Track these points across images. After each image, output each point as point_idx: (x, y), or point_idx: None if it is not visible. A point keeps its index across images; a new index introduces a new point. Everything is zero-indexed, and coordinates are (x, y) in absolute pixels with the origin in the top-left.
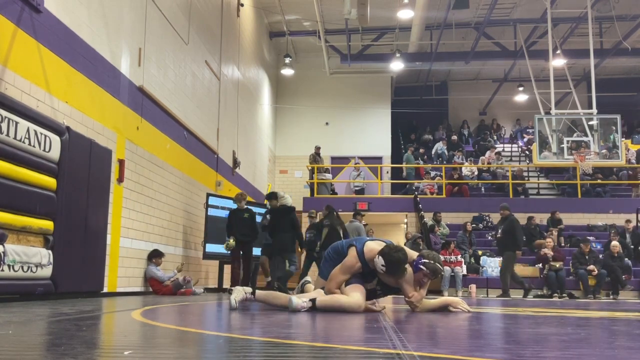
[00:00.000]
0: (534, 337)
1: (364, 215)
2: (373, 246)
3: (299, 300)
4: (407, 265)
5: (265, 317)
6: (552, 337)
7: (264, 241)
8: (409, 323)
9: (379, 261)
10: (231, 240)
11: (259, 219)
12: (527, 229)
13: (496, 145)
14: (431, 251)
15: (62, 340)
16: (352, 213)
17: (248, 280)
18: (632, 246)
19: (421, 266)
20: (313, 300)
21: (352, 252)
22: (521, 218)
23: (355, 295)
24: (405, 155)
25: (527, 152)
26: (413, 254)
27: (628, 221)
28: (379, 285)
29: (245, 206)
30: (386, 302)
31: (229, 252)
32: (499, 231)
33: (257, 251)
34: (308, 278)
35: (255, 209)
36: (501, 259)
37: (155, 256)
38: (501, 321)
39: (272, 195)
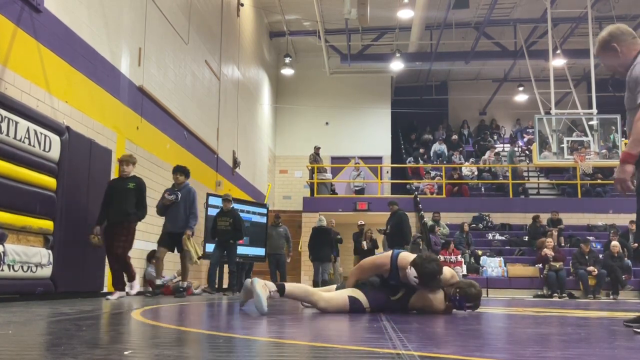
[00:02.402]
0: (534, 337)
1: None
2: (407, 255)
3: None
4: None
5: (266, 317)
6: (552, 337)
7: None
8: (409, 323)
9: (412, 272)
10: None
11: (261, 219)
12: (532, 229)
13: (496, 145)
14: (452, 271)
15: (62, 340)
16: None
17: (234, 281)
18: (635, 244)
19: (465, 310)
20: (281, 288)
21: (387, 254)
22: (522, 218)
23: (333, 296)
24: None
25: (527, 152)
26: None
27: (632, 222)
28: (403, 299)
29: (231, 207)
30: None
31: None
32: (388, 227)
33: (258, 251)
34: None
35: (255, 209)
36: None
37: (153, 257)
38: (501, 321)
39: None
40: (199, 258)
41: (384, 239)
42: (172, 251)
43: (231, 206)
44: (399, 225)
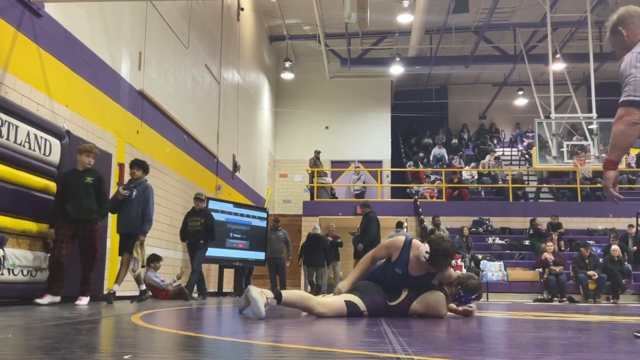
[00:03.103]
0: (534, 341)
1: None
2: (419, 242)
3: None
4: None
5: (266, 321)
6: (553, 342)
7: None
8: (409, 327)
9: (424, 248)
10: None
11: (261, 223)
12: (535, 232)
13: (496, 150)
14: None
15: (62, 344)
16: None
17: (193, 282)
18: (634, 247)
19: (471, 303)
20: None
21: (400, 238)
22: (522, 222)
23: (330, 301)
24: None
25: (526, 156)
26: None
27: (630, 226)
28: (403, 305)
29: (203, 206)
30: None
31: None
32: (358, 229)
33: (258, 255)
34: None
35: (255, 213)
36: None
37: (153, 260)
38: (501, 325)
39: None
40: (143, 266)
41: (353, 239)
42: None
43: (203, 205)
44: (366, 228)
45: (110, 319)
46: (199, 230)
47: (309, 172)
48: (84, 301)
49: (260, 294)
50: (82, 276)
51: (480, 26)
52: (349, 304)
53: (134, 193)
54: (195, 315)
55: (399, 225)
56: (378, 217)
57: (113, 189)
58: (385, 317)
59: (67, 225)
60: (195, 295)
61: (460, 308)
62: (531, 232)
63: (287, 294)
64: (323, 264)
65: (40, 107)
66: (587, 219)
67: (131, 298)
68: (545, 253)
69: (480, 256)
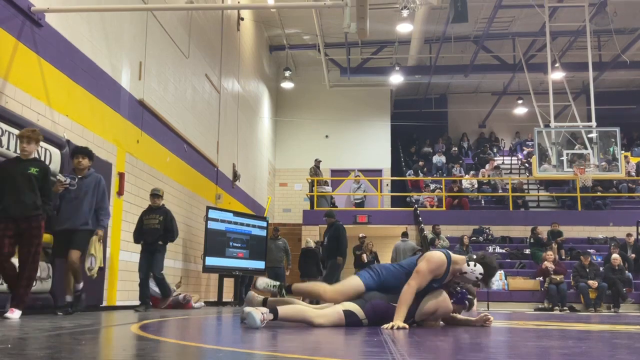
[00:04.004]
0: (535, 350)
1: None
2: (456, 255)
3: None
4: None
5: (266, 331)
6: (554, 351)
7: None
8: (409, 337)
9: (477, 269)
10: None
11: (261, 232)
12: (535, 240)
13: (495, 158)
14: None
15: (62, 355)
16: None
17: (163, 289)
18: (632, 254)
19: (466, 301)
20: (275, 312)
21: (442, 256)
22: (522, 231)
23: (328, 312)
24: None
25: (526, 164)
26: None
27: (629, 235)
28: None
29: (162, 204)
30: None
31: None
32: (325, 239)
33: (258, 264)
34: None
35: (255, 222)
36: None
37: None
38: (502, 334)
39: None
40: (101, 269)
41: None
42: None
43: (162, 203)
44: (336, 237)
45: (110, 329)
46: (157, 229)
47: (309, 181)
48: (15, 314)
49: (255, 310)
50: (17, 284)
51: (479, 35)
52: (347, 313)
53: (75, 182)
54: (195, 325)
55: (405, 235)
56: (378, 226)
57: (114, 197)
58: (384, 323)
59: (6, 223)
60: (196, 304)
61: (477, 318)
62: (532, 240)
63: (283, 309)
64: (316, 275)
65: (41, 117)
66: (587, 227)
67: (135, 307)
68: (545, 262)
69: None
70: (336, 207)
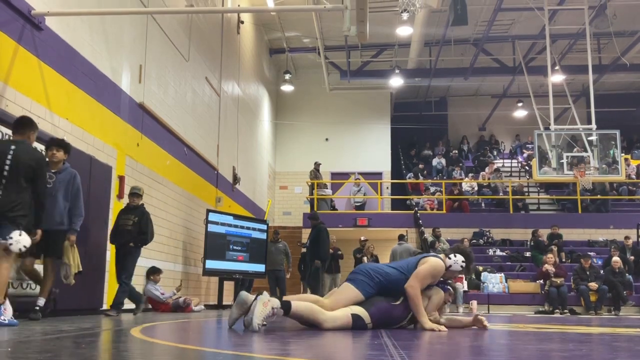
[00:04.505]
0: (536, 353)
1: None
2: (443, 256)
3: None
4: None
5: (266, 334)
6: (554, 354)
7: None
8: (409, 340)
9: (459, 259)
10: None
11: (261, 235)
12: (536, 243)
13: (495, 161)
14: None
15: (62, 358)
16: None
17: (122, 297)
18: (631, 257)
19: (448, 287)
20: (286, 306)
21: (438, 261)
22: (522, 234)
23: (338, 315)
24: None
25: (526, 167)
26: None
27: (627, 237)
28: (406, 303)
29: (140, 203)
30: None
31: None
32: (308, 241)
33: (258, 267)
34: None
35: (255, 225)
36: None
37: (153, 273)
38: (503, 337)
39: None
40: (78, 273)
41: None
42: (39, 257)
43: (140, 202)
44: (317, 240)
45: (110, 332)
46: (130, 230)
47: (309, 184)
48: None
49: (265, 304)
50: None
51: (479, 38)
52: (355, 317)
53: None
54: (196, 328)
55: (401, 237)
56: (378, 229)
57: (114, 201)
58: (388, 327)
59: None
60: (195, 308)
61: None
62: (532, 243)
63: (297, 305)
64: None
65: (41, 120)
66: (587, 230)
67: (134, 310)
68: (545, 265)
69: (481, 268)
70: (336, 210)
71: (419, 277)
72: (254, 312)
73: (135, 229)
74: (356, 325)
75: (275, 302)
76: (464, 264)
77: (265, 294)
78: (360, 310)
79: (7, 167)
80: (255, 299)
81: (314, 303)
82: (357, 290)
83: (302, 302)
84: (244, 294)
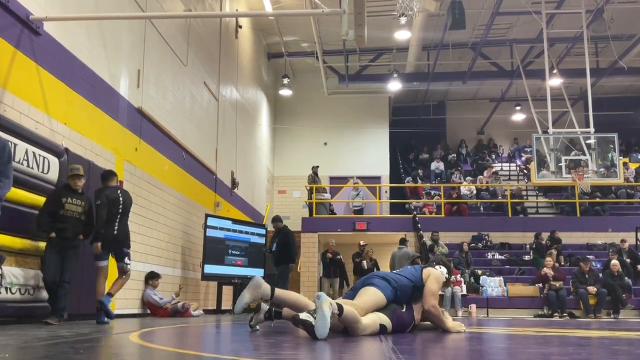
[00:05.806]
0: (535, 357)
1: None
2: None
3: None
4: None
5: (264, 338)
6: (554, 357)
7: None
8: (409, 344)
9: (443, 270)
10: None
11: (260, 240)
12: (537, 246)
13: (494, 165)
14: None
15: None
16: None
17: (63, 302)
18: (628, 259)
19: None
20: (340, 309)
21: (438, 272)
22: (521, 237)
23: (370, 324)
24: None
25: (525, 171)
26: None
27: (623, 240)
28: (409, 308)
29: (81, 184)
30: None
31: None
32: (274, 245)
33: (257, 272)
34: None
35: (254, 230)
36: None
37: (151, 278)
38: (502, 341)
39: None
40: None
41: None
42: None
43: (81, 183)
44: (286, 243)
45: (108, 337)
46: (80, 219)
47: (308, 189)
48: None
49: (329, 307)
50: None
51: (477, 42)
52: (382, 327)
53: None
54: (194, 333)
55: (402, 242)
56: (377, 233)
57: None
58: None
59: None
60: (194, 312)
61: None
62: (534, 246)
63: (347, 310)
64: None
65: (39, 125)
66: (586, 233)
67: (133, 316)
68: (544, 268)
69: (480, 272)
70: (335, 214)
71: (434, 295)
72: (324, 315)
73: (85, 219)
74: (380, 333)
75: (334, 304)
76: (447, 275)
77: (324, 294)
78: (386, 321)
79: (120, 208)
80: (319, 299)
81: (357, 317)
82: (383, 296)
83: (350, 308)
84: (257, 277)
